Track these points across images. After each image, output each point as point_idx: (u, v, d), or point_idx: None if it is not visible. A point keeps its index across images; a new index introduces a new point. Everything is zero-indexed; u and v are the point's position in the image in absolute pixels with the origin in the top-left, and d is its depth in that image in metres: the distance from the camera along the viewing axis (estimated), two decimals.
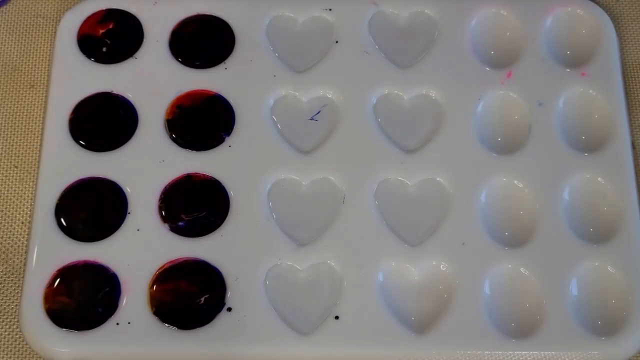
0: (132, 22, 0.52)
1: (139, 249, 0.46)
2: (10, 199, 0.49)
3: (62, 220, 0.47)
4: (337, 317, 0.45)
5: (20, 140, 0.51)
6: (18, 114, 0.51)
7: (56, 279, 0.46)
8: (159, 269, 0.46)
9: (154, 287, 0.46)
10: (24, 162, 0.50)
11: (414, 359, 0.45)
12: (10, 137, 0.51)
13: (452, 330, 0.45)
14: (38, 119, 0.51)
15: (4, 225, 0.49)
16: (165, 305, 0.45)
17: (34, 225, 0.47)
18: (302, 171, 0.49)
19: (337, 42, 0.51)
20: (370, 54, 0.51)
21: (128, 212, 0.47)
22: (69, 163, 0.48)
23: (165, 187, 0.48)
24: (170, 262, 0.46)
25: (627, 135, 0.49)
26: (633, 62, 0.53)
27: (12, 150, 0.50)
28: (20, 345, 0.46)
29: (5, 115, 0.51)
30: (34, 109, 0.51)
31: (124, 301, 0.45)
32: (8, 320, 0.47)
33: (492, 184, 0.48)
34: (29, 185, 0.50)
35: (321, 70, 0.51)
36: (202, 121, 0.49)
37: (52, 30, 0.53)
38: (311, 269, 0.47)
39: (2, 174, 0.50)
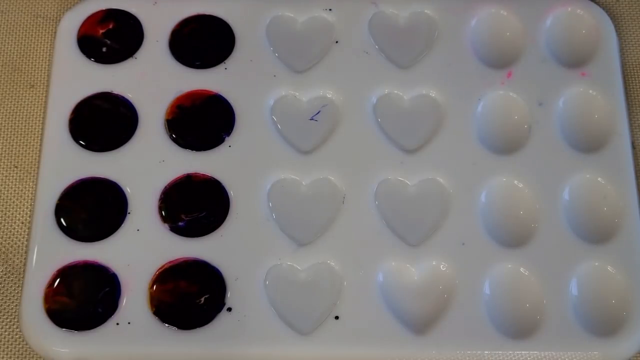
0: (132, 22, 0.52)
1: (139, 249, 0.46)
2: (10, 199, 0.49)
3: (62, 220, 0.47)
4: (337, 317, 0.45)
5: (20, 140, 0.51)
6: (18, 114, 0.51)
7: (56, 279, 0.46)
8: (158, 269, 0.46)
9: (154, 287, 0.46)
10: (24, 162, 0.50)
11: (414, 359, 0.45)
12: (10, 137, 0.51)
13: (452, 330, 0.45)
14: (38, 119, 0.51)
15: (4, 225, 0.49)
16: (165, 305, 0.45)
17: (34, 225, 0.47)
18: (302, 171, 0.49)
19: (337, 42, 0.51)
20: (370, 54, 0.51)
21: (128, 212, 0.47)
22: (69, 163, 0.48)
23: (165, 187, 0.48)
24: (170, 262, 0.46)
25: (627, 135, 0.49)
26: (633, 62, 0.53)
27: (12, 150, 0.50)
28: (20, 345, 0.46)
29: (5, 115, 0.51)
30: (34, 109, 0.51)
31: (124, 301, 0.45)
32: (8, 320, 0.47)
33: (492, 184, 0.48)
34: (29, 185, 0.50)
35: (321, 70, 0.51)
36: (202, 121, 0.49)
37: (52, 30, 0.53)
38: (311, 269, 0.47)
39: (2, 174, 0.50)
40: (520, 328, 0.45)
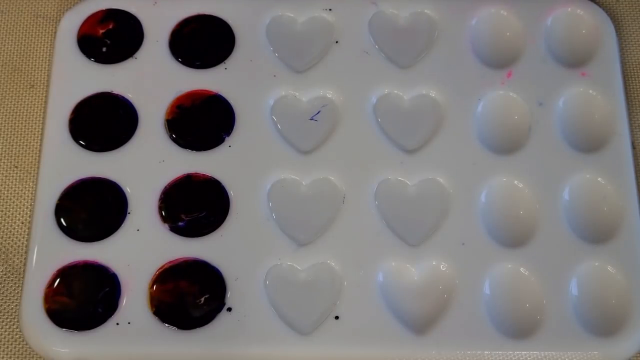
0: (132, 22, 0.52)
1: (139, 249, 0.46)
2: (10, 199, 0.49)
3: (62, 220, 0.47)
4: (337, 317, 0.45)
5: (20, 140, 0.51)
6: (18, 114, 0.51)
7: (56, 279, 0.46)
8: (159, 269, 0.46)
9: (154, 287, 0.46)
10: (24, 162, 0.50)
11: (414, 359, 0.45)
12: (10, 137, 0.51)
13: (452, 330, 0.45)
14: (38, 119, 0.51)
15: (4, 225, 0.49)
16: (165, 305, 0.45)
17: (34, 225, 0.47)
18: (302, 171, 0.49)
19: (337, 42, 0.51)
20: (370, 54, 0.51)
21: (128, 212, 0.47)
22: (69, 163, 0.48)
23: (165, 187, 0.48)
24: (170, 262, 0.46)
25: (627, 135, 0.49)
26: (633, 62, 0.53)
27: (12, 150, 0.50)
28: (20, 345, 0.46)
29: (5, 115, 0.51)
30: (34, 109, 0.51)
31: (124, 301, 0.45)
32: (8, 320, 0.47)
33: (492, 184, 0.48)
34: (29, 185, 0.50)
35: (321, 70, 0.51)
36: (202, 121, 0.49)
37: (52, 30, 0.53)
38: (311, 269, 0.47)
39: (2, 174, 0.50)
40: (520, 328, 0.45)
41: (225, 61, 0.51)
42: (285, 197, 0.48)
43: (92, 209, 0.47)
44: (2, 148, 0.50)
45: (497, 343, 0.45)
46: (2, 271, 0.48)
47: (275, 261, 0.47)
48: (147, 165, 0.48)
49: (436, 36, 0.52)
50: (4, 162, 0.50)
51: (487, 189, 0.48)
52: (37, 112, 0.51)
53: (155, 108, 0.49)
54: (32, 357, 0.46)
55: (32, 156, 0.50)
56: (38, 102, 0.51)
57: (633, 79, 0.53)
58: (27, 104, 0.51)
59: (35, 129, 0.51)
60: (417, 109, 0.50)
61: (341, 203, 0.48)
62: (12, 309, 0.47)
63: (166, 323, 0.45)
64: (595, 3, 0.53)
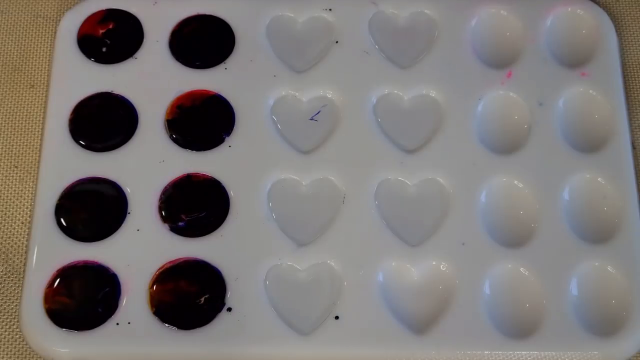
0: (132, 22, 0.52)
1: (139, 249, 0.46)
2: (10, 199, 0.49)
3: (62, 220, 0.47)
4: (337, 317, 0.45)
5: (20, 140, 0.51)
6: (18, 114, 0.51)
7: (56, 279, 0.46)
8: (159, 269, 0.46)
9: (154, 287, 0.46)
10: (24, 162, 0.50)
11: (414, 359, 0.45)
12: (10, 137, 0.51)
13: (452, 330, 0.45)
14: (38, 119, 0.51)
15: (4, 225, 0.49)
16: (165, 305, 0.45)
17: (34, 225, 0.47)
18: (302, 171, 0.49)
19: (337, 42, 0.51)
20: (370, 54, 0.51)
21: (128, 212, 0.47)
22: (69, 163, 0.48)
23: (165, 187, 0.48)
24: (170, 262, 0.46)
25: (627, 135, 0.49)
26: (633, 62, 0.53)
27: (12, 150, 0.50)
28: (20, 345, 0.46)
29: (5, 115, 0.51)
30: (34, 109, 0.51)
31: (124, 301, 0.45)
32: (8, 320, 0.47)
33: (492, 184, 0.48)
34: (29, 185, 0.50)
35: (321, 70, 0.51)
36: (202, 121, 0.49)
37: (52, 30, 0.53)
38: (311, 269, 0.47)
39: (2, 174, 0.50)
40: (520, 328, 0.45)
41: (225, 61, 0.51)
42: (285, 197, 0.48)
43: (92, 209, 0.47)
44: (2, 148, 0.50)
45: (497, 343, 0.45)
46: (2, 271, 0.48)
47: (275, 261, 0.47)
48: (147, 165, 0.48)
49: (436, 36, 0.52)
50: (4, 162, 0.50)
51: (487, 189, 0.48)
52: (37, 112, 0.51)
53: (155, 108, 0.49)
54: (32, 357, 0.46)
55: (32, 156, 0.50)
56: (38, 102, 0.51)
57: (633, 79, 0.53)
58: (27, 104, 0.51)
59: (35, 129, 0.51)
60: (417, 109, 0.50)
61: (341, 203, 0.48)
62: (12, 309, 0.47)
63: (166, 323, 0.45)
64: (595, 3, 0.53)
